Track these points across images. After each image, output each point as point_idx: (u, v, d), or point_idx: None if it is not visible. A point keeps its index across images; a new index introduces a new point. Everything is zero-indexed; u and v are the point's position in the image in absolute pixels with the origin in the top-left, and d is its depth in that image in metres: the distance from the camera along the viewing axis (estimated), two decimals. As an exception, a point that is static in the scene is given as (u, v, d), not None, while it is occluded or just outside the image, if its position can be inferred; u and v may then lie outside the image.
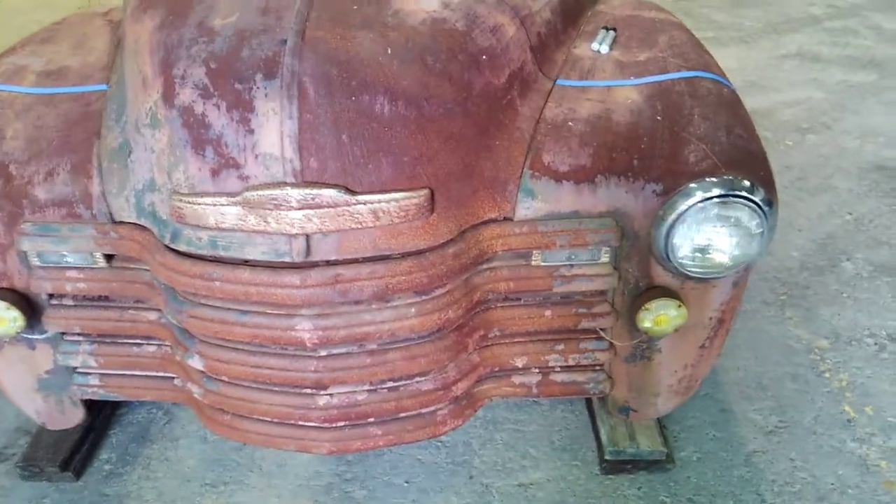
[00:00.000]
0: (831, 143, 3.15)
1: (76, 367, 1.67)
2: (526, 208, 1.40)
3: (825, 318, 2.25)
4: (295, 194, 1.27)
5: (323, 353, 1.44)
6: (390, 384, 1.51)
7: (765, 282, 2.38)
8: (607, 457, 1.77)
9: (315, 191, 1.27)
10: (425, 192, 1.32)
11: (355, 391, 1.50)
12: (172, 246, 1.38)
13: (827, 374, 2.07)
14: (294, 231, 1.30)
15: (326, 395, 1.49)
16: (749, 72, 3.81)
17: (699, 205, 1.34)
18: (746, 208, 1.34)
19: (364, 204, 1.29)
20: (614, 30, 1.77)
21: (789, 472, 1.80)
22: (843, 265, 2.46)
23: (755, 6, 4.69)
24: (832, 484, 1.77)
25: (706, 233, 1.37)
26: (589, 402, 1.94)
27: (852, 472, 1.79)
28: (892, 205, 2.73)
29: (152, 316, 1.56)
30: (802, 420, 1.93)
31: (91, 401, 1.78)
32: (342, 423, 1.51)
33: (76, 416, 1.79)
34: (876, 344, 2.15)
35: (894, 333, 2.18)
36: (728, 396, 2.00)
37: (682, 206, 1.35)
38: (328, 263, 1.35)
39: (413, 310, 1.40)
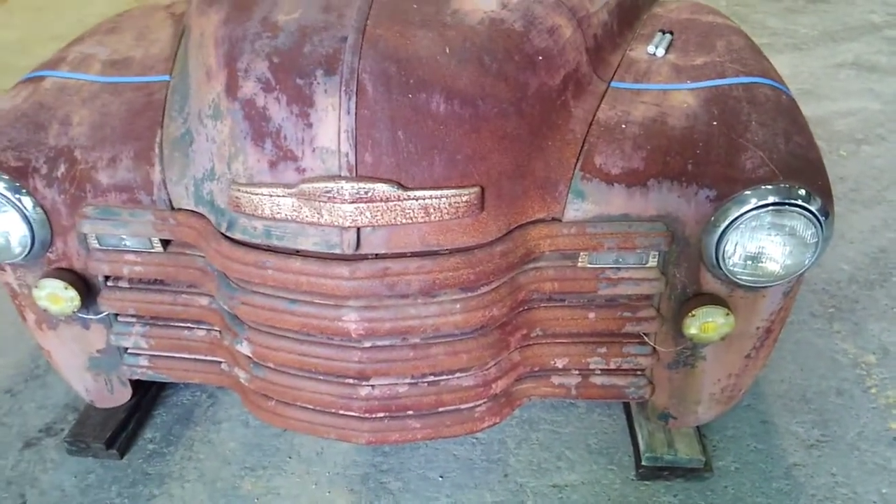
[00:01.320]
0: (887, 155, 3.06)
1: (127, 348, 1.73)
2: (575, 209, 1.40)
3: (874, 333, 2.20)
4: (349, 188, 1.30)
5: (367, 344, 1.47)
6: (431, 378, 1.52)
7: (813, 294, 2.34)
8: (644, 462, 1.76)
9: (368, 185, 1.30)
10: (476, 189, 1.33)
11: (397, 383, 1.52)
12: (228, 234, 1.42)
13: (873, 390, 2.02)
14: (346, 224, 1.32)
15: (368, 385, 1.51)
16: (803, 79, 3.73)
17: (753, 212, 1.33)
18: (802, 217, 1.33)
19: (415, 199, 1.31)
20: (671, 33, 1.76)
21: (830, 488, 1.77)
22: (895, 280, 2.40)
23: (811, 13, 4.58)
24: (875, 502, 1.73)
25: (759, 241, 1.36)
26: (627, 406, 1.93)
27: (897, 491, 1.76)
28: (949, 220, 2.65)
29: (204, 301, 1.60)
30: (846, 435, 1.89)
31: (138, 381, 1.84)
32: (382, 415, 1.53)
33: (124, 395, 1.85)
34: (927, 362, 2.09)
35: (947, 352, 2.12)
36: (770, 408, 1.97)
37: (736, 213, 1.34)
38: (377, 257, 1.37)
39: (458, 306, 1.42)
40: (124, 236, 1.53)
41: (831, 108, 3.44)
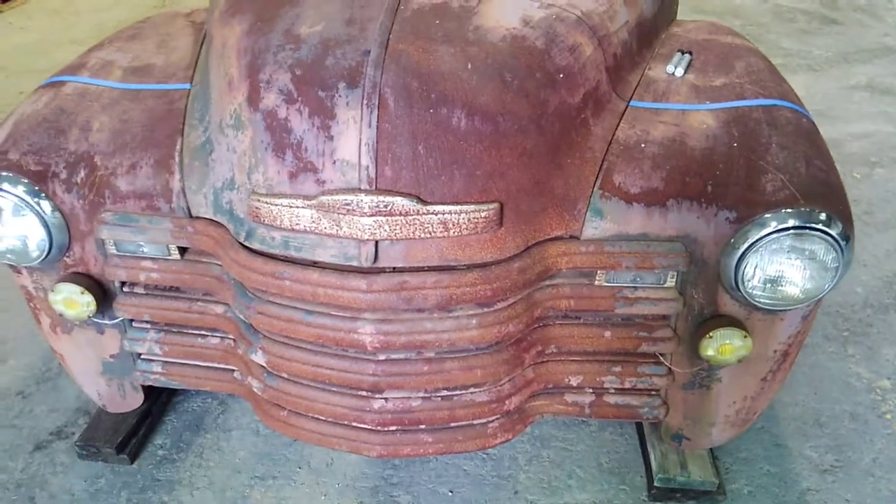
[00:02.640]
0: (901, 179, 3.05)
1: (141, 354, 1.73)
2: (594, 228, 1.40)
3: (888, 358, 2.18)
4: (368, 201, 1.30)
5: (382, 357, 1.46)
6: (445, 393, 1.52)
7: (827, 317, 2.32)
8: (657, 483, 1.74)
9: (388, 199, 1.30)
10: (496, 205, 1.33)
11: (410, 397, 1.51)
12: (246, 244, 1.42)
13: (888, 416, 2.00)
14: (365, 237, 1.32)
15: (382, 398, 1.51)
16: (817, 101, 3.72)
17: (773, 235, 1.32)
18: (823, 242, 1.32)
19: (435, 214, 1.31)
20: (690, 53, 1.76)
21: (844, 515, 1.75)
22: (910, 305, 2.38)
23: (825, 34, 4.58)
24: (890, 530, 1.71)
25: (778, 264, 1.35)
26: (639, 426, 1.91)
27: (912, 520, 1.73)
28: (964, 245, 2.63)
29: (219, 309, 1.60)
30: (860, 461, 1.87)
31: (149, 387, 1.84)
32: (394, 428, 1.52)
33: (136, 400, 1.85)
34: (942, 389, 2.07)
35: (962, 379, 2.10)
36: (784, 431, 1.95)
37: (756, 236, 1.33)
38: (394, 270, 1.37)
39: (474, 321, 1.41)
40: (142, 243, 1.54)
41: (845, 129, 3.43)
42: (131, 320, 1.69)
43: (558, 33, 1.47)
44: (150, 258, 1.56)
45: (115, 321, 1.67)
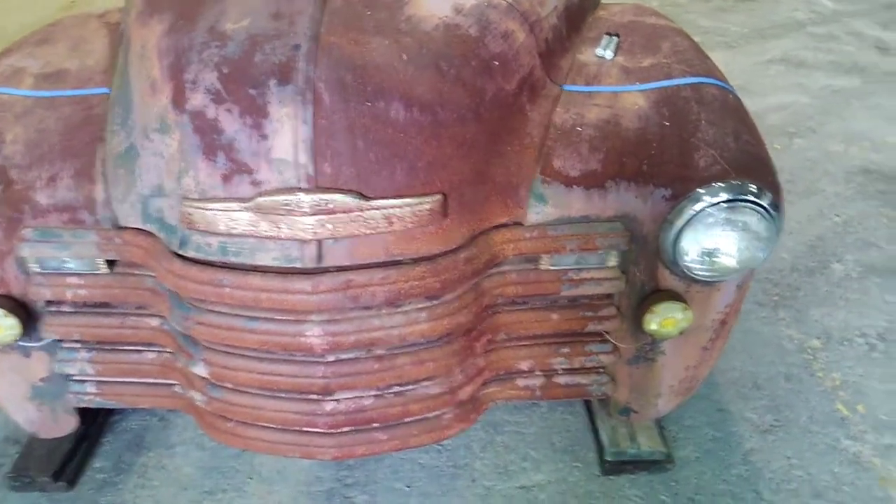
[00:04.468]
0: (817, 147, 3.20)
1: (72, 375, 1.64)
2: (537, 213, 1.41)
3: (816, 319, 2.29)
4: (308, 200, 1.27)
5: (331, 358, 1.43)
6: (397, 389, 1.50)
7: (757, 283, 2.42)
8: (608, 458, 1.78)
9: (328, 196, 1.27)
10: (439, 197, 1.32)
11: (362, 396, 1.49)
12: (181, 252, 1.36)
13: (820, 374, 2.11)
14: (307, 237, 1.29)
15: (333, 400, 1.48)
16: (735, 76, 3.84)
17: (707, 209, 1.36)
18: (755, 213, 1.37)
19: (377, 209, 1.29)
20: (617, 35, 1.78)
21: (786, 471, 1.83)
22: (833, 266, 2.51)
23: (740, 11, 4.75)
24: (827, 481, 1.80)
25: (714, 237, 1.39)
26: (588, 403, 1.95)
27: (847, 469, 1.83)
28: (879, 207, 2.78)
29: (154, 322, 1.54)
30: (797, 419, 1.97)
31: (84, 408, 1.75)
32: (348, 429, 1.50)
33: (69, 423, 1.75)
34: (867, 343, 2.19)
35: (884, 333, 2.22)
36: (724, 396, 2.03)
37: (691, 211, 1.37)
38: (339, 269, 1.34)
39: (424, 315, 1.40)
40: (67, 258, 1.46)
41: (763, 103, 3.57)
42: (60, 340, 1.60)
43: (491, 20, 1.46)
44: (77, 274, 1.48)
45: (43, 343, 1.58)
